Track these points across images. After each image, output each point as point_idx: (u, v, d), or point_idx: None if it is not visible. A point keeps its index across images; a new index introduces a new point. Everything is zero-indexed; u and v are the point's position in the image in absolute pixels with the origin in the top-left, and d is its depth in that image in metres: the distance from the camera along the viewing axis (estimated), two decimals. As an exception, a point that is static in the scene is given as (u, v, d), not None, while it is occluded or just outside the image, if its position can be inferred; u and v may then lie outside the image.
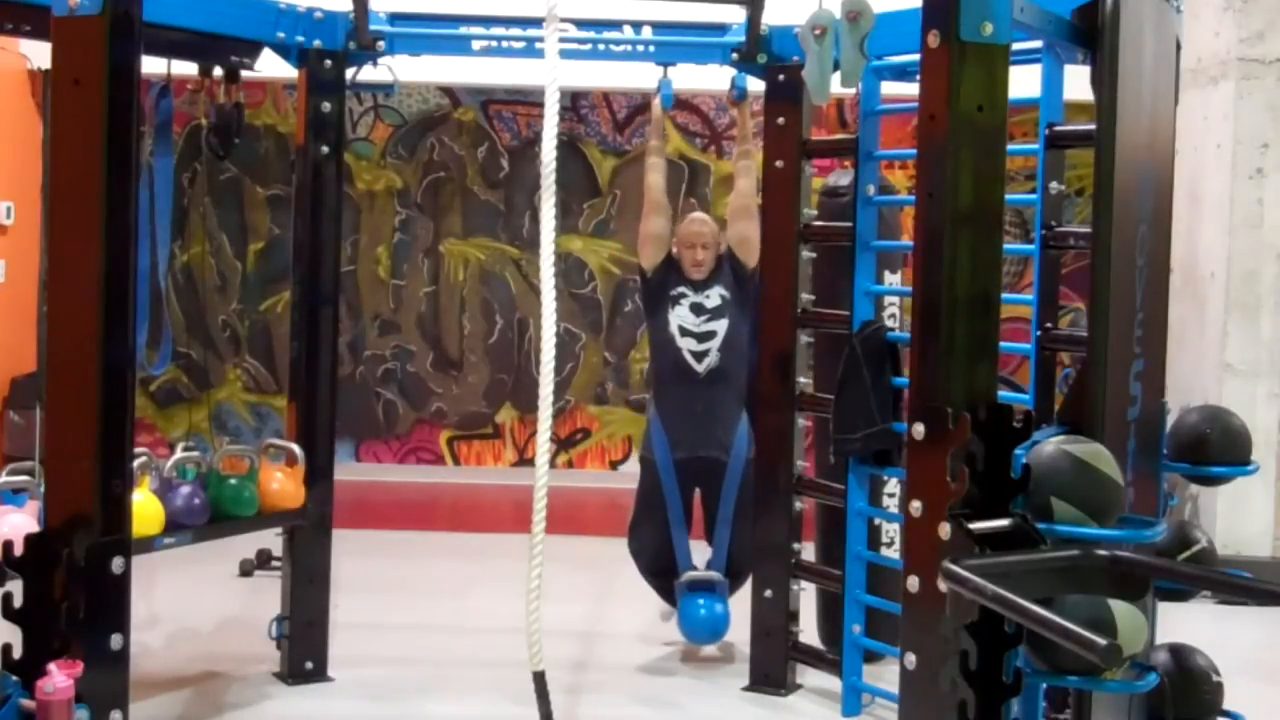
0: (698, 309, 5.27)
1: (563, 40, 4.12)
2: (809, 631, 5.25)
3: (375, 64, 5.03)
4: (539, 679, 4.03)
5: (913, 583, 3.00)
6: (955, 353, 3.01)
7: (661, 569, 5.36)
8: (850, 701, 4.79)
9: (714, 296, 5.29)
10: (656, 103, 5.25)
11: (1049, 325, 4.08)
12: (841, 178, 5.21)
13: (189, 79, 4.97)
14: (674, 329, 5.27)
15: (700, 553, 5.38)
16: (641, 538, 5.44)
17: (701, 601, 5.22)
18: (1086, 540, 2.88)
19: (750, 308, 5.34)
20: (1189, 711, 3.33)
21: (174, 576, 5.99)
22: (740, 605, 5.18)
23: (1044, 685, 3.09)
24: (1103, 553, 2.86)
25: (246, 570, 6.50)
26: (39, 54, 7.72)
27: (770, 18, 4.95)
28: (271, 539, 5.71)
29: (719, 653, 5.50)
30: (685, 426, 5.27)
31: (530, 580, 3.90)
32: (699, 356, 5.24)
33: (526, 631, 3.90)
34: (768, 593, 5.07)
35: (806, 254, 5.06)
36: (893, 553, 5.13)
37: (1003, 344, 3.15)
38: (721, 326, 5.25)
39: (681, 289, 5.32)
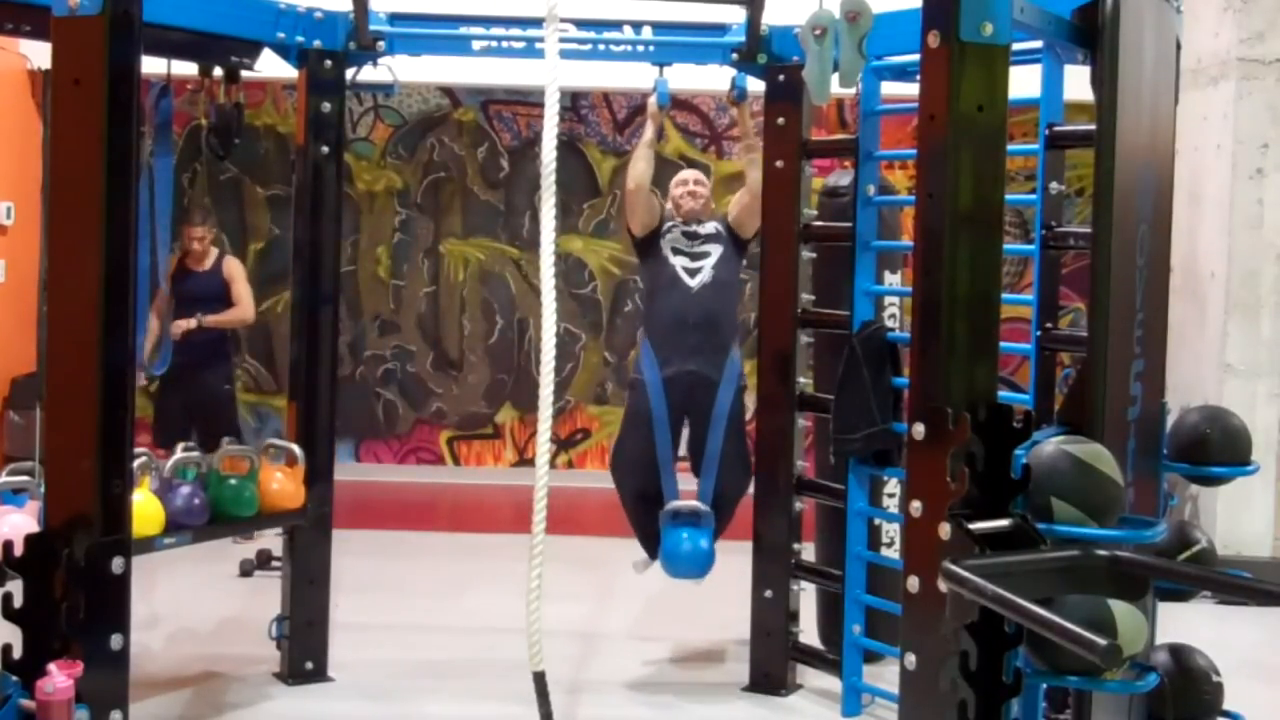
0: (691, 235, 5.28)
1: (563, 40, 4.12)
2: (809, 631, 5.25)
3: (375, 64, 5.03)
4: (539, 679, 4.04)
5: (913, 583, 3.00)
6: (955, 353, 3.01)
7: (645, 495, 5.20)
8: (850, 701, 4.79)
9: (708, 227, 5.31)
10: (652, 101, 5.25)
11: (1049, 325, 4.08)
12: (841, 178, 5.21)
13: (189, 79, 4.97)
14: (667, 250, 5.26)
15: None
16: (626, 460, 5.30)
17: (685, 535, 5.09)
18: (1086, 540, 2.88)
19: (743, 263, 5.42)
20: (1189, 711, 3.33)
21: (174, 576, 5.99)
22: (740, 605, 5.17)
23: (1044, 685, 3.09)
24: (1103, 553, 2.85)
25: (246, 570, 6.50)
26: (39, 54, 7.72)
27: (770, 18, 4.95)
28: (271, 539, 5.71)
29: (713, 651, 5.50)
30: (676, 341, 5.17)
31: (530, 580, 3.90)
32: (692, 273, 5.22)
33: (526, 631, 3.90)
34: (768, 593, 5.07)
35: (806, 254, 5.06)
36: (893, 553, 5.13)
37: (1003, 344, 3.15)
38: (715, 250, 5.25)
39: (673, 224, 5.33)
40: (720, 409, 5.14)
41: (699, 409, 5.17)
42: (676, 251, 5.25)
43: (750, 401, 5.29)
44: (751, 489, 5.15)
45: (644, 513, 5.23)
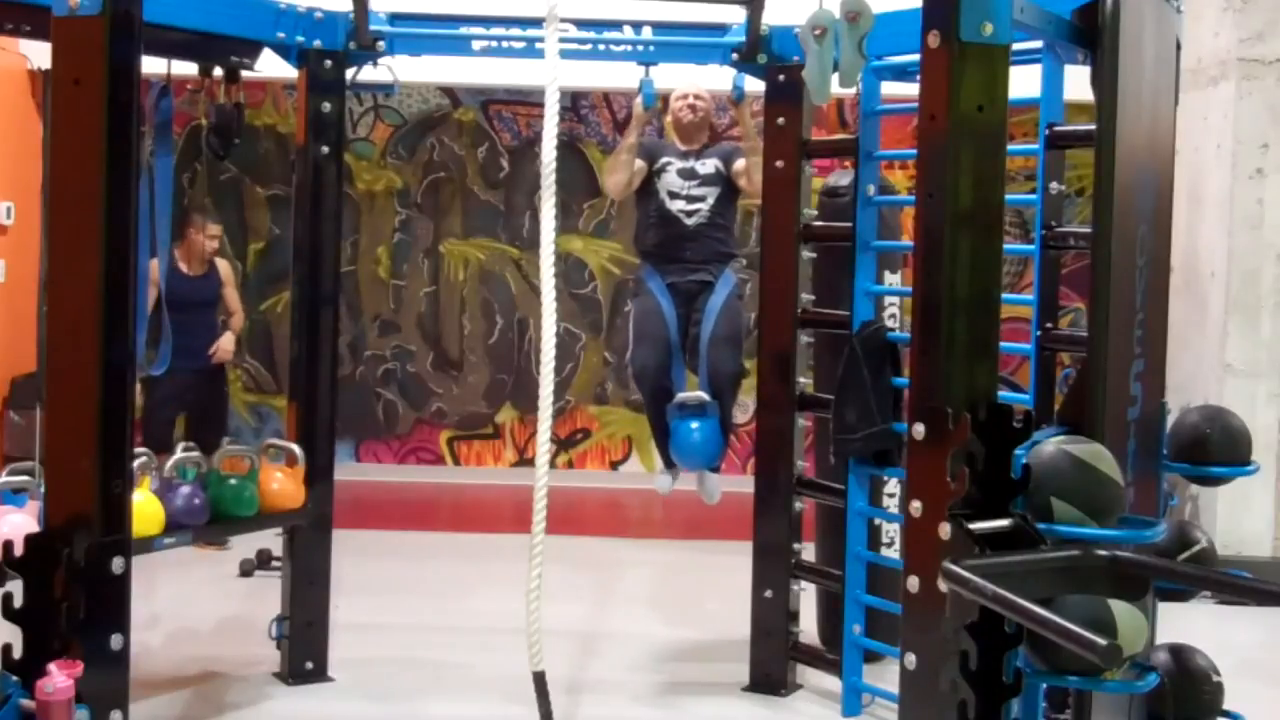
0: (687, 174, 5.34)
1: (563, 40, 4.13)
2: (809, 631, 5.25)
3: (375, 64, 5.03)
4: (539, 679, 4.04)
5: (913, 583, 3.01)
6: (955, 353, 3.02)
7: (660, 389, 5.35)
8: (850, 701, 4.79)
9: (707, 165, 5.36)
10: (638, 102, 5.24)
11: (1049, 325, 4.08)
12: (841, 178, 5.20)
13: (189, 79, 4.97)
14: (663, 195, 5.34)
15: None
16: (643, 353, 5.41)
17: (694, 424, 5.27)
18: (1086, 540, 2.89)
19: (736, 210, 5.52)
20: (1189, 711, 3.33)
21: (174, 576, 5.99)
22: (740, 605, 5.17)
23: (1044, 685, 3.09)
24: (1103, 553, 2.86)
25: (246, 570, 6.50)
26: (39, 54, 7.72)
27: (770, 18, 4.95)
28: (271, 539, 5.71)
29: (713, 651, 5.50)
30: (676, 265, 5.34)
31: (530, 580, 3.91)
32: (689, 214, 5.32)
33: (526, 631, 3.91)
34: (768, 593, 5.07)
35: (806, 254, 5.06)
36: (893, 553, 5.13)
37: (1003, 344, 3.15)
38: (711, 193, 5.32)
39: (668, 159, 5.38)
40: (714, 301, 5.31)
41: (696, 302, 5.36)
42: (673, 196, 5.32)
43: (750, 401, 5.30)
44: (755, 486, 5.16)
45: (662, 413, 5.39)
